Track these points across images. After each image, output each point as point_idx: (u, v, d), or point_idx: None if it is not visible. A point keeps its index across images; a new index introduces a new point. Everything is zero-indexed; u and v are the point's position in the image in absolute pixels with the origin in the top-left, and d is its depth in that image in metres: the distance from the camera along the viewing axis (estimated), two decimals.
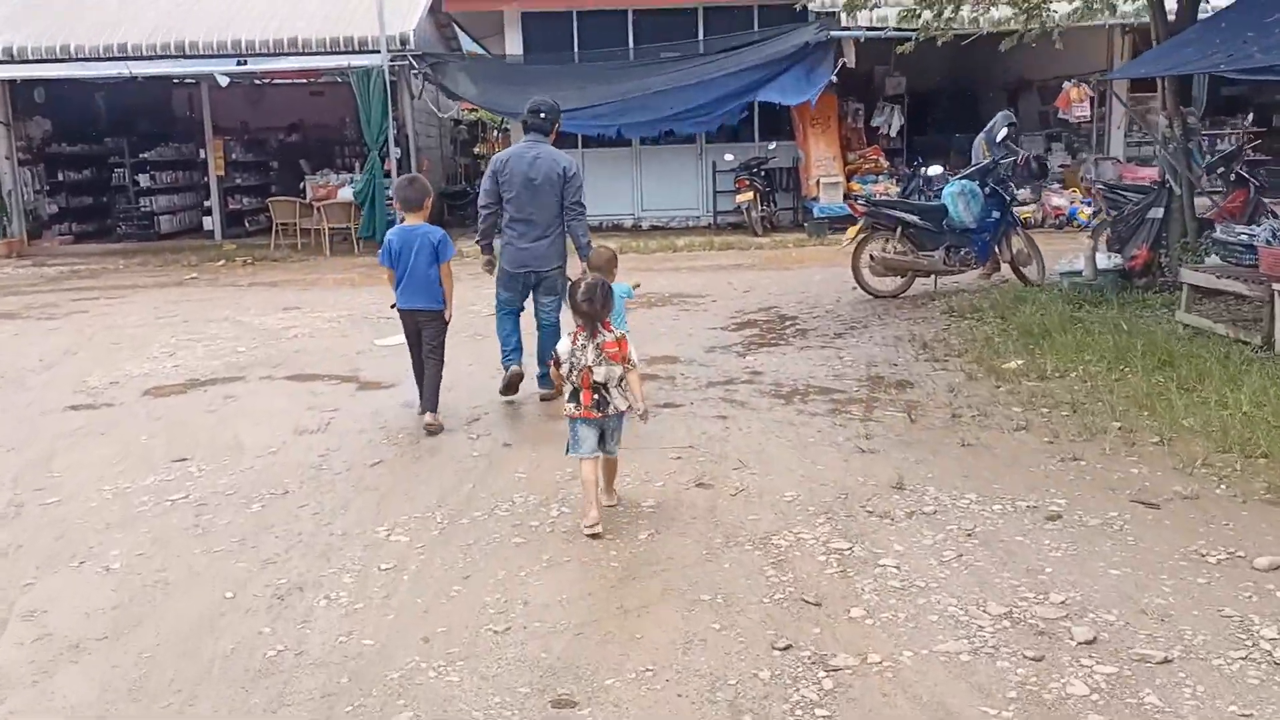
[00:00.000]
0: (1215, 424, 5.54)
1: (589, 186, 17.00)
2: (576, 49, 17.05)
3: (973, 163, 10.60)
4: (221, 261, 15.28)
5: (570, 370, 4.71)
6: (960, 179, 10.23)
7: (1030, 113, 18.88)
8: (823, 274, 11.92)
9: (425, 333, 6.41)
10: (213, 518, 5.05)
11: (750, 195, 15.61)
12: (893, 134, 17.05)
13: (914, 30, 13.36)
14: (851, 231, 10.21)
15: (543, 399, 6.87)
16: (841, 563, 4.18)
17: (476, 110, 21.91)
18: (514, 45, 17.07)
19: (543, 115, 6.62)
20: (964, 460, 5.38)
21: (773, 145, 16.38)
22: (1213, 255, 8.32)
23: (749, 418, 6.32)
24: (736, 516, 4.74)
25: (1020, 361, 7.21)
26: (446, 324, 6.48)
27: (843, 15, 14.66)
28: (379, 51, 15.52)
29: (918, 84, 18.58)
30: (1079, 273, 9.32)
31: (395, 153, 15.81)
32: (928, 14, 10.98)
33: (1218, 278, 7.61)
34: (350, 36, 16.14)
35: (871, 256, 10.00)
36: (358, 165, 17.46)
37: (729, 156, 16.29)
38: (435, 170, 19.52)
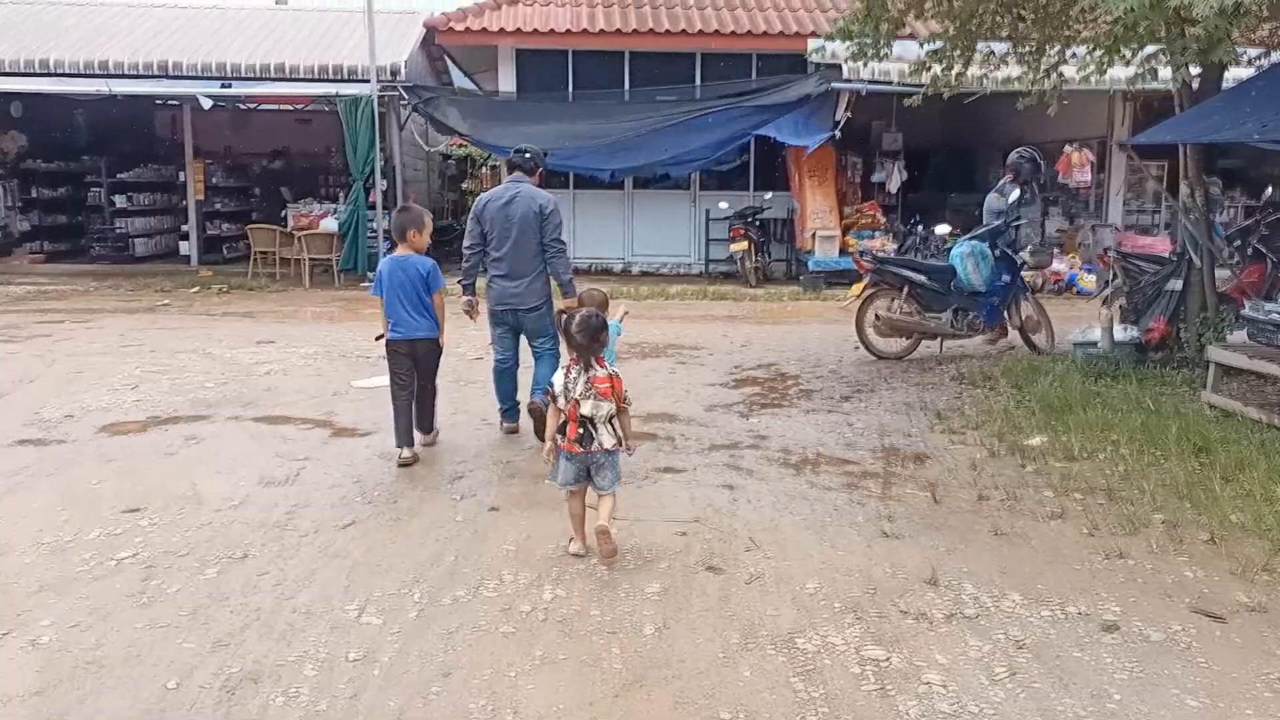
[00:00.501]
0: (1269, 521, 5.05)
1: (579, 228, 16.69)
2: (571, 89, 16.66)
3: (983, 223, 10.19)
4: (196, 288, 14.66)
5: (563, 402, 4.64)
6: (969, 239, 9.81)
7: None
8: (821, 330, 11.45)
9: (422, 362, 6.34)
10: (161, 583, 4.46)
11: (745, 245, 15.18)
12: (893, 190, 16.68)
13: (918, 86, 13.08)
14: (856, 289, 9.76)
15: (507, 431, 6.91)
16: (879, 677, 3.64)
17: (466, 145, 21.49)
18: (507, 82, 16.67)
19: (527, 155, 6.65)
20: (999, 551, 4.86)
21: (769, 195, 16.00)
22: (1237, 331, 7.91)
23: (758, 489, 5.78)
24: (753, 609, 4.20)
25: (1043, 438, 6.73)
26: (441, 351, 6.48)
27: (844, 67, 14.39)
28: (368, 81, 15.06)
29: (914, 141, 18.30)
30: (1094, 344, 8.88)
31: (381, 184, 15.31)
32: (938, 68, 10.61)
33: (1250, 358, 7.17)
34: (339, 65, 15.70)
35: (877, 316, 9.54)
36: (342, 195, 16.91)
37: (724, 204, 15.90)
38: (421, 204, 19.00)
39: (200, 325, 11.65)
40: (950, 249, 10.15)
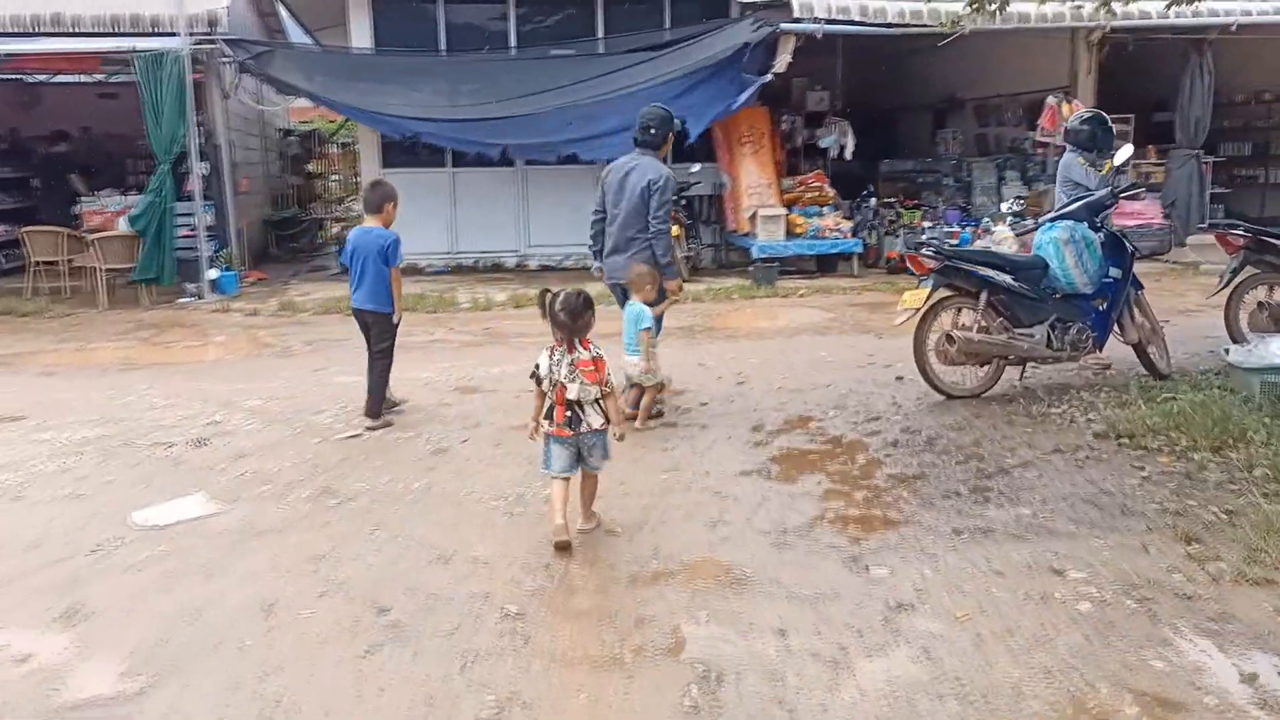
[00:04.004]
0: None
1: (461, 216, 12.80)
2: (445, 45, 12.78)
3: (1059, 199, 6.91)
4: None
5: (546, 385, 4.21)
6: (1057, 218, 6.55)
7: (966, 136, 15.68)
8: (824, 345, 8.07)
9: (372, 333, 6.15)
10: None
11: (676, 231, 11.62)
12: (849, 157, 13.34)
13: (885, 25, 9.85)
14: (911, 298, 6.32)
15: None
16: None
17: (311, 119, 17.29)
18: (361, 36, 12.69)
19: (653, 131, 6.08)
20: None
21: (695, 168, 12.43)
22: None
23: None
24: None
25: None
26: (395, 326, 6.18)
27: (794, 4, 11.04)
28: (177, 34, 10.89)
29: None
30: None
31: (201, 167, 11.16)
32: None
33: None
34: (138, 14, 11.44)
35: (949, 337, 6.18)
36: None
37: None
38: (256, 190, 14.79)
39: None
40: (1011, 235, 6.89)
